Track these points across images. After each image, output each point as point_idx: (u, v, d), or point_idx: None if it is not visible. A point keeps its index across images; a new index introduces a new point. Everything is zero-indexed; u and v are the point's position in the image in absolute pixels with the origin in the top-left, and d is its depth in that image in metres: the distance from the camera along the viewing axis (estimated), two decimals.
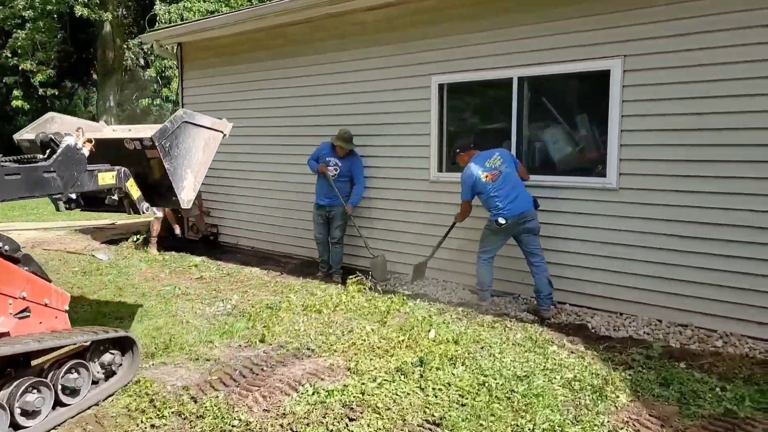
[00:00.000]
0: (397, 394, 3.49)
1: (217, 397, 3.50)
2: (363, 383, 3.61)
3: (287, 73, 7.59)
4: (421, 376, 3.76)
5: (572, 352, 4.29)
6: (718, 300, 4.69)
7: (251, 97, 8.13)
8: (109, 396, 3.56)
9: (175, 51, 9.24)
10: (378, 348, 4.25)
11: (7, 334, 3.19)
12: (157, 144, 3.85)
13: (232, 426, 3.17)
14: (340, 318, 5.02)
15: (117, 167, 3.80)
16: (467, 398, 3.44)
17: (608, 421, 3.24)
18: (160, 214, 8.70)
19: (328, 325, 4.81)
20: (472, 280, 5.72)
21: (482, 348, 4.30)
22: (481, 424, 3.14)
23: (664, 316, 4.98)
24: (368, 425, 3.14)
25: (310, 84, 7.36)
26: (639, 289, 5.09)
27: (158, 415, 3.27)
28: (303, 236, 7.57)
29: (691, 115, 4.70)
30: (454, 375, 3.78)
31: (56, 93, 17.37)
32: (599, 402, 3.45)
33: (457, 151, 5.58)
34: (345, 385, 3.60)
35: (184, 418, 3.27)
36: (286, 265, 7.73)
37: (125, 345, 3.78)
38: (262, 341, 4.49)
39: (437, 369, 3.85)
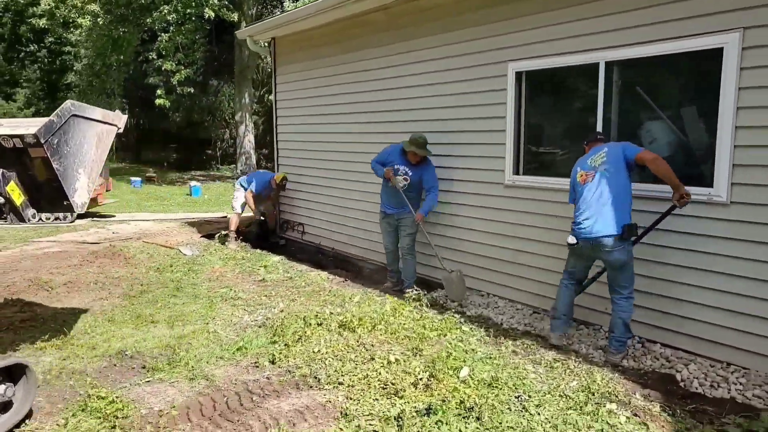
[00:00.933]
0: None
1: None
2: None
3: (366, 66, 7.10)
4: (420, 430, 3.06)
5: (636, 415, 3.31)
6: None
7: (333, 92, 7.77)
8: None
9: (269, 46, 9.19)
10: (392, 385, 3.61)
11: None
12: (42, 141, 3.33)
13: None
14: (373, 340, 4.43)
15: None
16: None
17: None
18: (239, 210, 8.74)
19: (353, 348, 4.24)
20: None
21: (518, 397, 3.47)
22: None
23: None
24: None
25: (382, 77, 6.81)
26: (755, 335, 3.88)
27: None
28: (380, 240, 7.06)
29: None
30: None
31: (192, 91, 18.49)
32: None
33: (585, 143, 4.54)
34: None
35: None
36: (360, 271, 7.30)
37: (17, 372, 3.18)
38: (272, 362, 4.05)
39: (443, 423, 3.12)
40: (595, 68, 4.62)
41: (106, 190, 12.15)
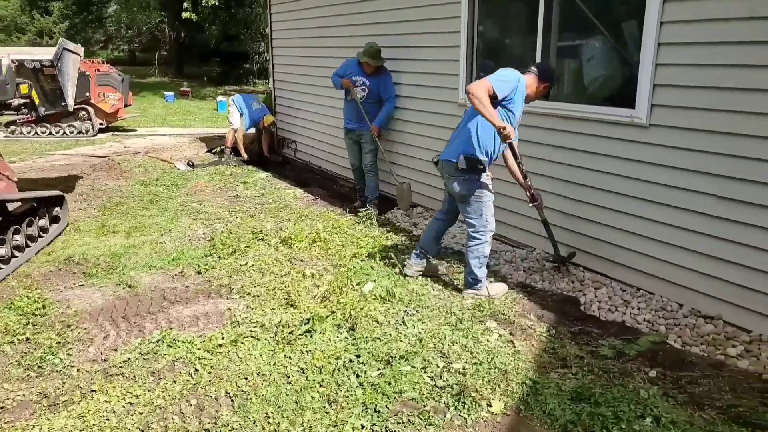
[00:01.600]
0: (237, 359, 3.11)
1: (84, 329, 3.47)
2: (223, 340, 3.28)
3: None
4: (293, 337, 3.30)
5: (511, 334, 3.43)
6: (762, 292, 3.34)
7: (316, 15, 7.65)
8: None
9: None
10: (295, 296, 3.84)
11: None
12: (55, 64, 5.17)
13: (51, 363, 3.09)
14: (305, 256, 4.66)
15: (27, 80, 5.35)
16: (294, 377, 2.92)
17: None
18: (236, 125, 8.91)
19: (281, 263, 4.48)
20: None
21: (405, 311, 3.64)
22: (273, 413, 2.63)
23: (688, 301, 3.73)
24: (166, 393, 2.82)
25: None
26: (663, 261, 3.85)
27: (9, 340, 3.33)
28: None
29: None
30: (330, 342, 3.26)
31: (216, 3, 18.31)
32: (462, 407, 2.69)
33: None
34: (200, 338, 3.31)
35: (27, 348, 3.28)
36: (338, 189, 7.45)
37: (62, 200, 5.39)
38: (198, 273, 4.36)
39: (318, 332, 3.34)
40: None
41: (125, 105, 12.56)
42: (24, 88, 5.41)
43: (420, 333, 3.37)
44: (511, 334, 3.45)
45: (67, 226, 5.47)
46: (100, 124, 12.00)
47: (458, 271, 4.37)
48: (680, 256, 3.73)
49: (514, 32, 5.10)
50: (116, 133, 12.35)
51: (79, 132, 11.62)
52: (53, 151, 9.78)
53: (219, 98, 17.49)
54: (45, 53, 5.61)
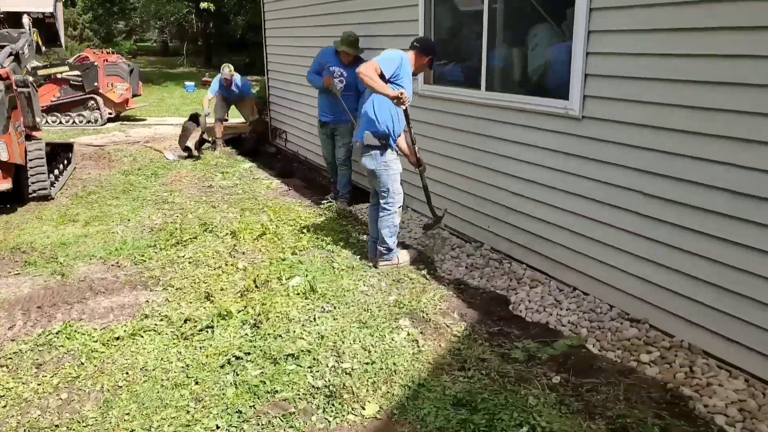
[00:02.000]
0: (129, 353, 3.09)
1: None
2: (123, 333, 3.27)
3: None
4: (198, 333, 3.27)
5: (422, 333, 3.31)
6: (688, 297, 3.13)
7: (303, 14, 7.59)
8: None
9: None
10: (216, 290, 3.82)
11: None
12: (54, 14, 7.03)
13: None
14: (250, 248, 4.63)
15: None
16: (174, 374, 2.88)
17: None
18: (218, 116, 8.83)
19: (221, 255, 4.47)
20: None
21: (323, 309, 3.57)
22: (133, 410, 2.59)
23: (619, 303, 3.54)
24: (40, 386, 2.82)
25: None
26: (596, 261, 3.66)
27: None
28: None
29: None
30: (228, 338, 3.21)
31: None
32: (332, 409, 2.61)
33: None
34: (101, 331, 3.31)
35: None
36: (318, 181, 7.39)
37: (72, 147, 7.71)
38: (135, 264, 4.38)
39: (220, 327, 3.30)
40: None
41: (134, 95, 12.77)
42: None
43: (325, 330, 3.30)
44: (421, 333, 3.34)
45: (75, 169, 7.60)
46: (109, 113, 12.25)
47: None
48: (612, 256, 3.54)
49: (465, 24, 4.91)
50: (125, 122, 12.57)
51: (89, 121, 11.89)
52: (56, 141, 10.00)
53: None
54: (41, 5, 7.24)
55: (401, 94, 3.78)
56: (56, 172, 6.79)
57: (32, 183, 6.06)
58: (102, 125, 11.90)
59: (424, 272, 4.20)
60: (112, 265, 4.34)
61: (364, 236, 4.79)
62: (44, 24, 7.25)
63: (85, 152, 8.47)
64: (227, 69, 8.65)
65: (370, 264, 4.29)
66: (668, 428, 2.52)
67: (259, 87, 10.49)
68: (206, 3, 18.02)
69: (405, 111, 4.01)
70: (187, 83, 19.66)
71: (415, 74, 4.20)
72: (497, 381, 2.86)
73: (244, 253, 4.53)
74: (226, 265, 4.25)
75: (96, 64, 11.56)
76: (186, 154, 8.48)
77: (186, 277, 4.07)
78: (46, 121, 11.64)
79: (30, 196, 6.09)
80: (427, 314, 3.56)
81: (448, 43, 5.00)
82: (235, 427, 2.47)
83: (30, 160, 6.06)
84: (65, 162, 7.33)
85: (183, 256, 4.43)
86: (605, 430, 2.52)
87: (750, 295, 2.80)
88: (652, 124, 3.18)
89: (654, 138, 3.16)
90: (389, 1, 5.47)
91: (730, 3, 2.68)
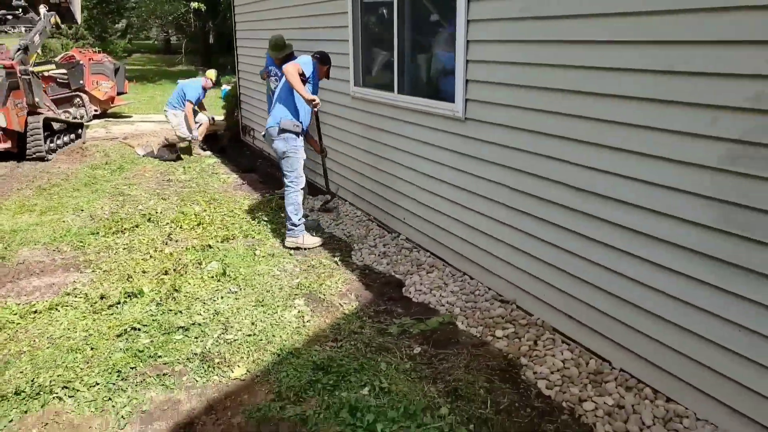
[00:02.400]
0: (43, 325, 3.49)
1: None
2: (41, 307, 3.67)
3: None
4: (109, 308, 3.66)
5: (312, 311, 3.69)
6: (544, 281, 3.48)
7: (265, 17, 7.98)
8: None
9: None
10: (137, 273, 4.22)
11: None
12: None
13: None
14: (183, 236, 5.02)
15: None
16: (75, 341, 3.28)
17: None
18: (192, 134, 9.05)
19: (153, 242, 4.86)
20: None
21: (231, 291, 3.95)
22: (26, 369, 2.98)
23: (495, 286, 3.91)
24: None
25: None
26: (478, 248, 4.03)
27: None
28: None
29: None
30: (134, 313, 3.60)
31: None
32: (203, 371, 2.99)
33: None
34: (23, 306, 3.71)
35: None
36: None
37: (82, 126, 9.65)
38: (74, 249, 4.77)
39: (131, 305, 3.70)
40: None
41: (120, 93, 13.20)
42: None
43: (223, 308, 3.69)
44: (312, 311, 3.72)
45: (84, 142, 9.56)
46: (95, 110, 12.67)
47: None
48: (491, 245, 3.90)
49: (382, 30, 5.28)
50: (110, 119, 13.01)
51: (74, 118, 12.31)
52: (69, 120, 10.52)
53: (225, 86, 17.99)
54: None
55: (316, 99, 4.69)
56: (59, 141, 8.80)
57: (30, 147, 7.94)
58: (87, 122, 12.32)
59: (337, 259, 4.58)
60: (54, 250, 4.75)
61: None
62: (60, 6, 9.38)
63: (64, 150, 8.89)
64: (213, 75, 9.08)
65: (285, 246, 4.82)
66: (492, 390, 2.88)
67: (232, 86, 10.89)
68: (197, 3, 18.42)
69: (315, 112, 4.72)
70: (180, 81, 20.08)
71: (320, 78, 5.08)
72: (360, 350, 3.24)
73: (177, 241, 4.92)
74: (155, 251, 4.64)
75: (81, 63, 11.99)
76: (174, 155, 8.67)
77: (116, 261, 4.46)
78: None
79: (28, 156, 7.97)
80: (324, 295, 3.94)
81: (372, 49, 5.37)
82: (113, 383, 2.86)
83: (30, 129, 7.92)
84: (73, 136, 9.49)
85: (119, 243, 4.83)
86: (439, 392, 2.88)
87: (582, 277, 3.16)
88: (518, 126, 3.52)
89: (520, 138, 3.51)
90: (326, 8, 5.84)
91: (584, 19, 2.99)
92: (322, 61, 4.98)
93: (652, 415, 2.67)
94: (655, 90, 2.61)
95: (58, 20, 9.57)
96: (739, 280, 2.36)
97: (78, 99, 12.27)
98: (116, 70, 13.07)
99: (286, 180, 4.85)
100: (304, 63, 4.74)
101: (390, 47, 4.81)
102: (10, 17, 9.43)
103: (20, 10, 9.37)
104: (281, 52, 6.03)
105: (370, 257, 4.69)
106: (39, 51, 9.42)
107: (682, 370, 2.67)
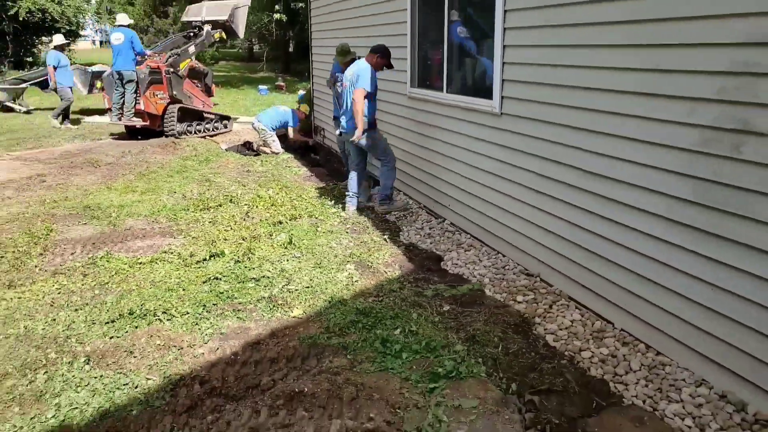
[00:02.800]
0: (146, 272, 4.33)
1: (63, 248, 4.88)
2: (144, 260, 4.53)
3: None
4: (196, 263, 4.47)
5: (361, 275, 4.35)
6: (564, 255, 3.99)
7: (340, 7, 8.77)
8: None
9: None
10: (220, 239, 5.02)
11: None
12: (231, 19, 11.96)
13: (25, 264, 4.50)
14: (261, 214, 5.82)
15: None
16: (170, 284, 4.07)
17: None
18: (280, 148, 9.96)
19: (234, 218, 5.68)
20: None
21: (296, 257, 4.67)
22: (137, 299, 3.79)
23: (523, 262, 4.43)
24: (82, 285, 4.10)
25: None
26: (509, 228, 4.55)
27: (12, 251, 4.80)
28: None
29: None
30: (216, 268, 4.38)
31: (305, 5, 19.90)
32: (268, 309, 3.71)
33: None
34: (131, 259, 4.58)
35: (18, 255, 4.74)
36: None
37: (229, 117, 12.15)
38: (169, 220, 5.67)
39: (214, 263, 4.49)
40: None
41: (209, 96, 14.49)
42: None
43: (287, 268, 4.41)
44: (360, 274, 4.37)
45: (230, 130, 11.89)
46: None
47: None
48: (519, 224, 4.42)
49: (433, 38, 5.89)
50: None
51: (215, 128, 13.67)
52: (218, 112, 12.72)
53: (301, 91, 19.12)
54: (221, 14, 12.05)
55: (358, 137, 5.55)
56: (199, 127, 11.18)
57: (165, 127, 10.32)
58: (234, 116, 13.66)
59: (386, 237, 5.22)
60: (152, 221, 5.66)
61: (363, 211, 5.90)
62: (225, 25, 11.88)
63: (155, 141, 10.06)
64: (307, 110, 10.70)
65: (348, 219, 5.68)
66: (505, 338, 3.42)
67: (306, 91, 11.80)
68: (278, 14, 19.72)
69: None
70: (261, 86, 21.45)
71: (377, 70, 5.69)
72: (398, 304, 3.85)
73: (253, 217, 5.72)
74: (235, 224, 5.45)
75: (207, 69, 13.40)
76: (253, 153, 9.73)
77: (203, 230, 5.30)
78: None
79: (165, 134, 10.33)
80: (371, 263, 4.59)
81: (424, 54, 5.99)
82: (199, 313, 3.63)
83: (167, 114, 10.31)
84: (220, 126, 11.91)
85: (205, 217, 5.69)
86: (459, 338, 3.45)
87: (593, 250, 3.64)
88: (543, 119, 4.05)
89: (546, 130, 4.03)
90: (386, 26, 6.53)
91: (588, 27, 3.52)
92: (375, 52, 5.64)
93: (640, 363, 3.13)
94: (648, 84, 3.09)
95: (223, 35, 12.30)
96: (711, 246, 2.81)
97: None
98: (205, 75, 14.36)
99: (381, 162, 5.84)
100: (363, 79, 5.45)
101: (440, 52, 5.40)
102: (192, 34, 12.12)
103: (198, 29, 12.12)
104: (346, 57, 6.74)
105: (416, 237, 5.30)
106: (192, 58, 11.90)
107: (670, 327, 3.11)
